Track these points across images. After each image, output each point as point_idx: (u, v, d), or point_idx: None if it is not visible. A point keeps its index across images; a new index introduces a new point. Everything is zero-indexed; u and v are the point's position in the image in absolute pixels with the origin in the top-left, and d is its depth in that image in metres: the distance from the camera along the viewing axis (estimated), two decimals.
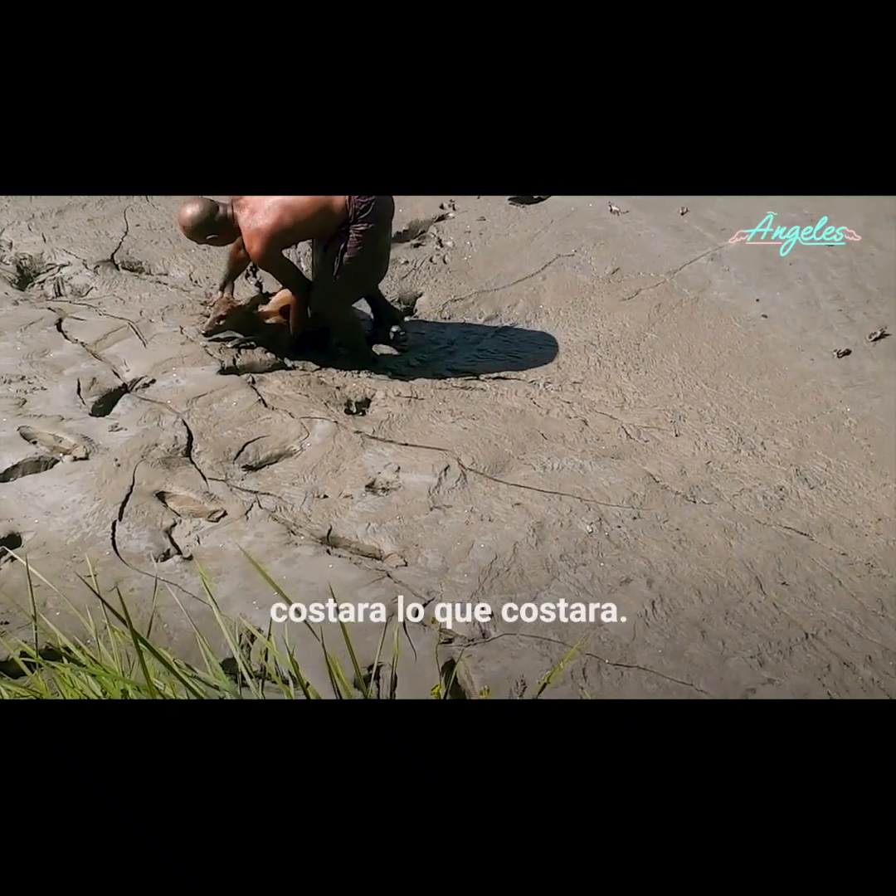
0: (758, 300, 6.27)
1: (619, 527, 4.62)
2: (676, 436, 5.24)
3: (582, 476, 4.92)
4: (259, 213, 5.34)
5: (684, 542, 4.54)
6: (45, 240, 6.60)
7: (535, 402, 5.49)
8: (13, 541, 4.52)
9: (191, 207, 5.41)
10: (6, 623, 4.08)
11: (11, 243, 6.61)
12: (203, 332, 5.74)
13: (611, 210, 7.02)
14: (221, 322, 5.71)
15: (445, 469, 4.94)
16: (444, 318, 6.31)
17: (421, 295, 6.51)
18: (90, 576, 4.20)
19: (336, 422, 5.24)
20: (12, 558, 4.43)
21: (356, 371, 5.82)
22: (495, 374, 5.78)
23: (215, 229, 5.44)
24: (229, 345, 5.76)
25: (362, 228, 5.47)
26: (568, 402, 5.49)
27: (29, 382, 5.35)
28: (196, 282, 6.35)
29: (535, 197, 7.23)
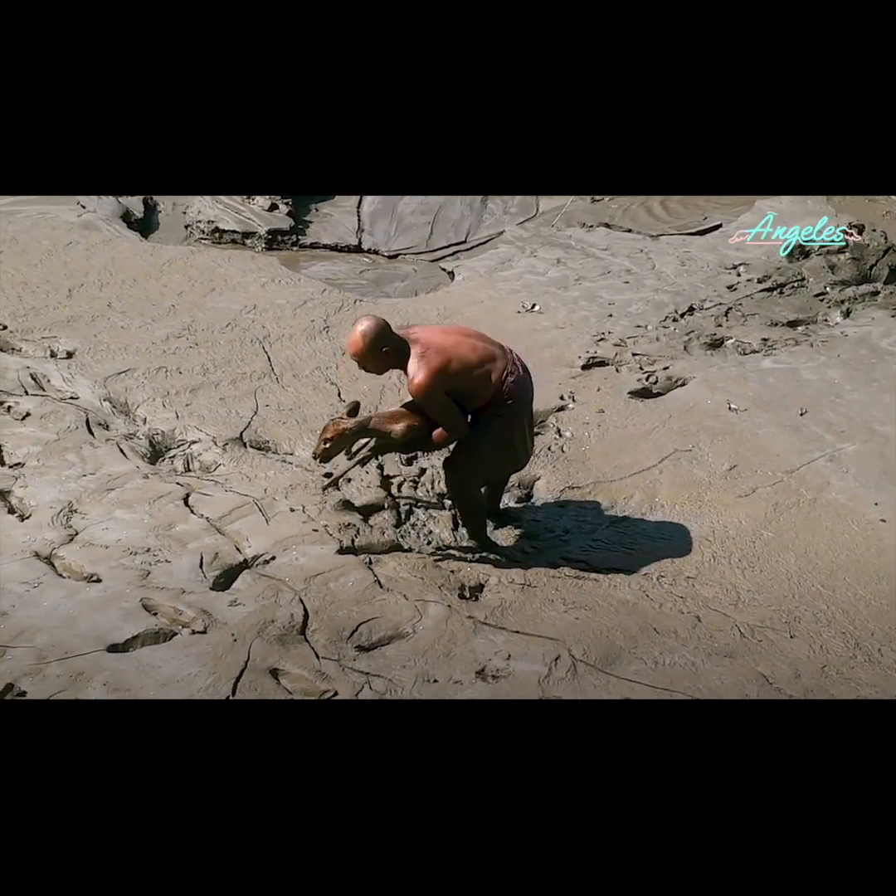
0: (876, 504, 6.24)
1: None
2: (791, 637, 5.19)
3: (694, 673, 4.88)
4: (431, 350, 5.43)
5: None
6: (177, 416, 6.86)
7: (647, 596, 5.49)
8: None
9: (368, 322, 5.44)
10: None
11: (146, 419, 6.88)
12: (314, 456, 5.75)
13: (729, 408, 7.09)
14: (327, 444, 5.65)
15: (556, 659, 4.94)
16: (560, 506, 6.38)
17: (539, 479, 6.60)
18: None
19: (449, 606, 5.29)
20: None
21: (472, 555, 5.89)
22: (609, 565, 5.81)
23: (388, 345, 5.43)
24: (338, 477, 5.87)
25: (507, 405, 5.60)
26: (681, 597, 5.49)
27: (154, 555, 5.51)
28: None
29: (655, 391, 7.33)
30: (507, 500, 6.43)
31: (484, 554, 5.92)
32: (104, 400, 7.04)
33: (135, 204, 10.29)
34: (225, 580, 5.42)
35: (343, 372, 7.50)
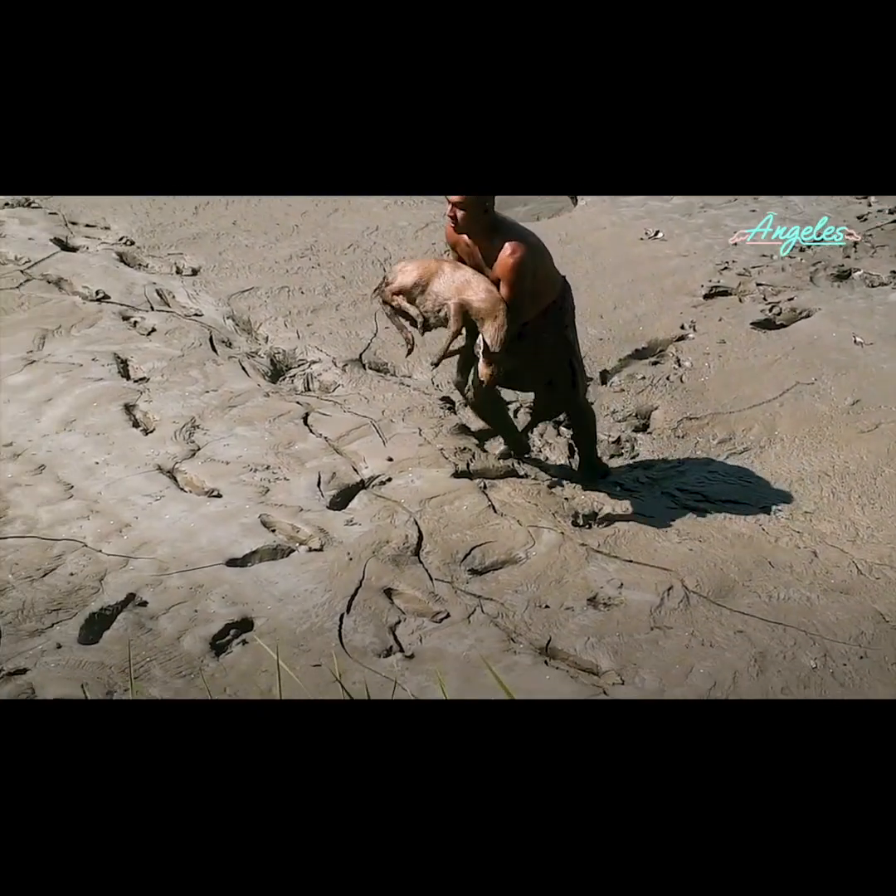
0: None
1: (845, 664, 4.52)
2: None
3: (808, 609, 4.84)
4: (526, 232, 5.42)
5: None
6: (299, 336, 6.94)
7: (763, 529, 5.44)
8: (246, 624, 4.73)
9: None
10: None
11: (268, 338, 6.97)
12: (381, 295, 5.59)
13: (855, 341, 6.94)
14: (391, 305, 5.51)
15: (669, 589, 4.94)
16: (678, 437, 6.33)
17: (656, 409, 6.55)
18: (318, 665, 4.37)
19: (563, 533, 5.31)
20: (244, 641, 4.64)
21: (587, 484, 5.89)
22: (725, 497, 5.76)
23: (491, 206, 5.26)
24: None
25: (571, 310, 5.62)
26: (798, 532, 5.43)
27: (273, 472, 5.61)
28: (438, 385, 6.55)
29: (778, 323, 7.21)
30: (626, 429, 6.40)
31: (601, 482, 5.91)
32: (227, 317, 7.14)
33: None
34: (342, 500, 5.50)
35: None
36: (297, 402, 6.27)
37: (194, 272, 7.63)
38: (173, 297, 7.29)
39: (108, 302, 7.13)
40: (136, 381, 6.39)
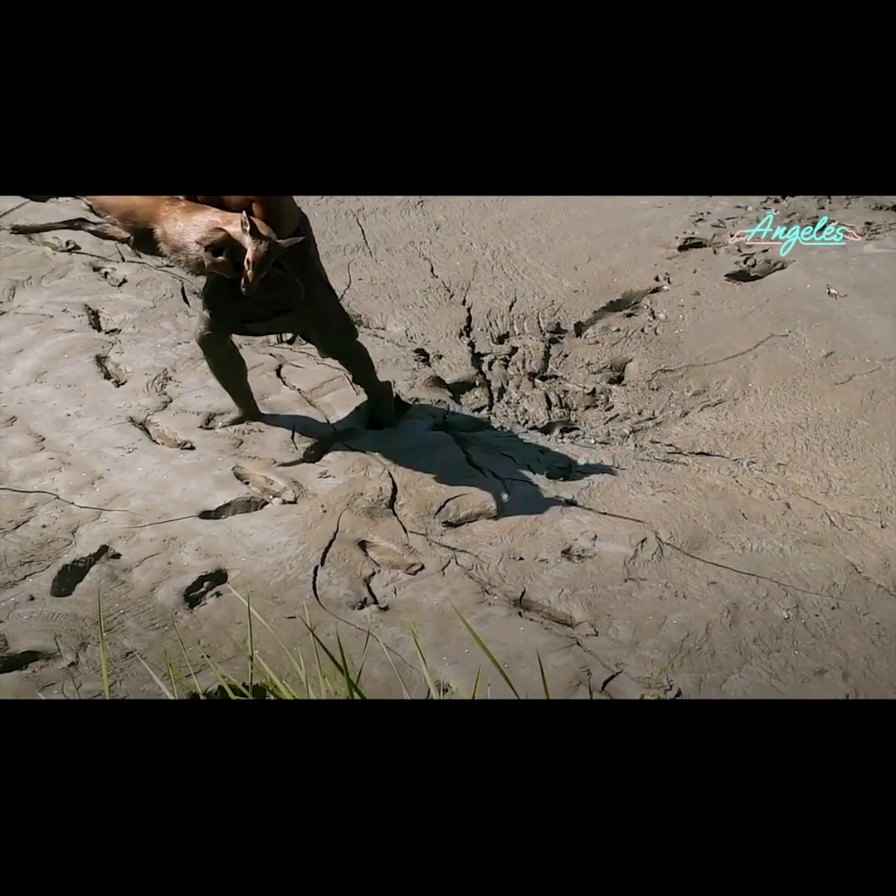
0: None
1: (817, 615, 4.55)
2: (882, 527, 5.13)
3: (781, 560, 4.86)
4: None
5: (884, 637, 4.44)
6: None
7: (737, 481, 5.45)
8: (219, 577, 4.72)
9: None
10: (208, 656, 4.26)
11: None
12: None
13: (829, 293, 6.94)
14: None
15: (642, 541, 4.95)
16: (652, 389, 6.33)
17: (631, 361, 6.54)
18: (292, 617, 4.37)
19: (537, 485, 5.30)
20: (218, 593, 4.63)
21: (559, 436, 5.89)
22: (699, 450, 5.77)
23: None
24: None
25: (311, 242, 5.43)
26: (771, 484, 5.44)
27: (247, 425, 5.58)
28: (412, 337, 6.52)
29: (752, 275, 7.19)
30: (600, 381, 6.39)
31: (575, 434, 5.91)
32: None
33: None
34: (316, 452, 5.48)
35: (436, 247, 7.45)
36: (271, 354, 6.23)
37: None
38: None
39: (78, 252, 7.05)
40: (107, 333, 6.34)
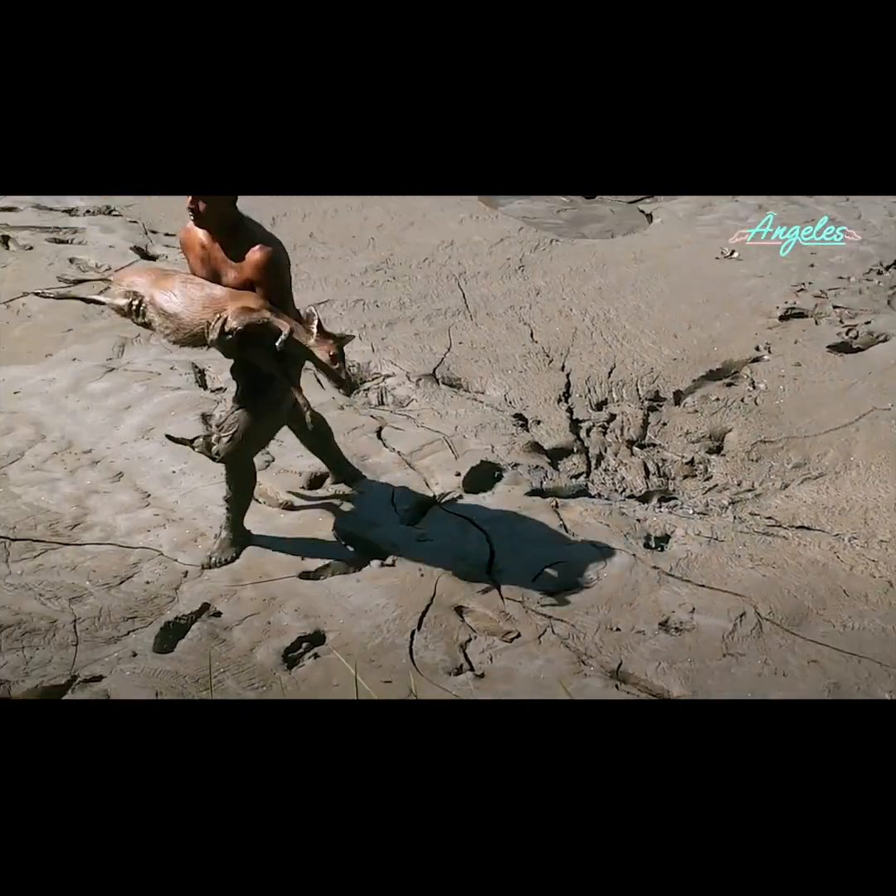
0: None
1: None
2: None
3: (884, 640, 4.80)
4: (271, 239, 4.83)
5: None
6: (373, 350, 6.97)
7: (838, 557, 5.39)
8: (318, 638, 4.78)
9: None
10: None
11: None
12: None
13: None
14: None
15: (741, 615, 4.92)
16: (752, 460, 6.30)
17: (730, 431, 6.51)
18: (388, 681, 4.40)
19: (634, 555, 5.30)
20: (316, 655, 4.68)
21: (657, 505, 5.88)
22: (799, 523, 5.72)
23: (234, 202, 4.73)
24: None
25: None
26: (873, 561, 5.38)
27: (347, 486, 5.64)
28: (510, 402, 6.56)
29: (855, 347, 7.14)
30: (699, 451, 6.37)
31: (673, 503, 5.90)
32: None
33: None
34: (414, 515, 5.53)
35: (536, 313, 7.50)
36: (371, 416, 6.31)
37: None
38: None
39: None
40: (212, 391, 6.46)
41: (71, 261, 7.72)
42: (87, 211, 8.45)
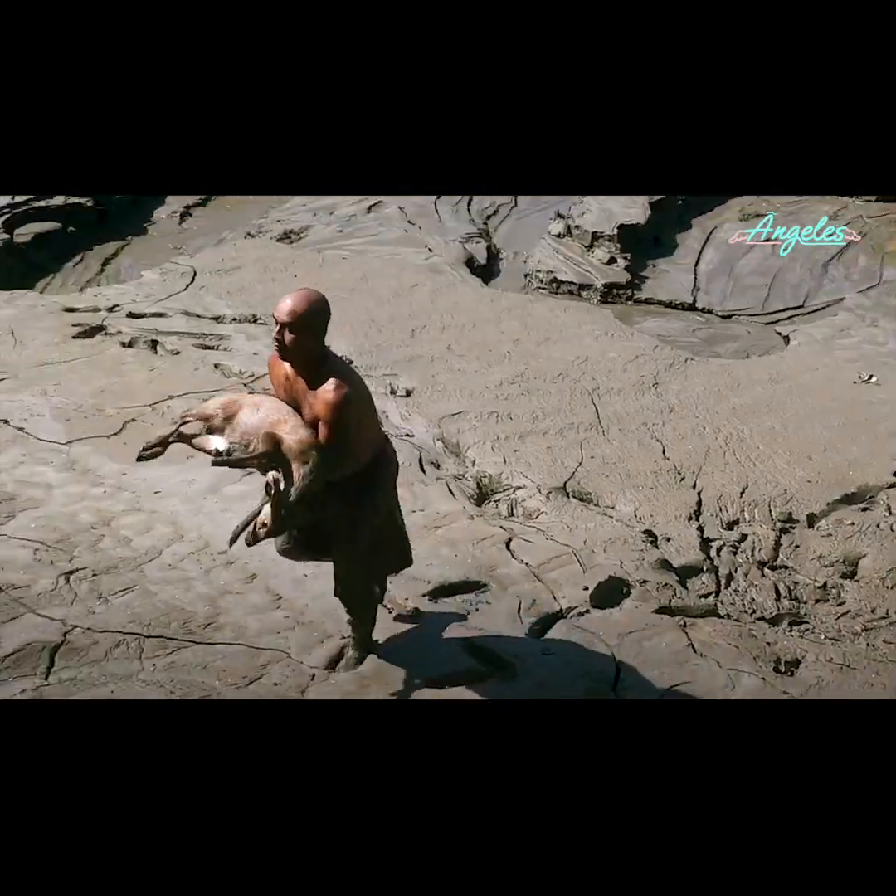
0: None
1: None
2: None
3: None
4: (349, 368, 4.79)
5: None
6: (505, 461, 7.04)
7: None
8: None
9: (318, 294, 4.64)
10: None
11: (475, 461, 7.09)
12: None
13: None
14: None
15: None
16: (887, 587, 6.18)
17: (865, 556, 6.41)
18: None
19: (764, 679, 5.22)
20: None
21: (788, 629, 5.79)
22: None
23: (320, 329, 4.62)
24: None
25: (389, 470, 4.94)
26: None
27: (476, 596, 5.69)
28: (640, 518, 6.55)
29: None
30: (832, 575, 6.27)
31: (804, 628, 5.81)
32: (437, 439, 7.31)
33: (479, 251, 10.63)
34: (540, 628, 5.53)
35: (669, 430, 7.51)
36: (501, 527, 6.36)
37: (408, 393, 7.85)
38: (387, 416, 7.50)
39: None
40: None
41: (216, 366, 7.98)
42: (234, 319, 8.75)
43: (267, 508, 4.41)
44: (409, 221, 10.99)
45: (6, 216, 10.58)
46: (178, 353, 8.17)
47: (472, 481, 6.92)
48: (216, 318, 8.76)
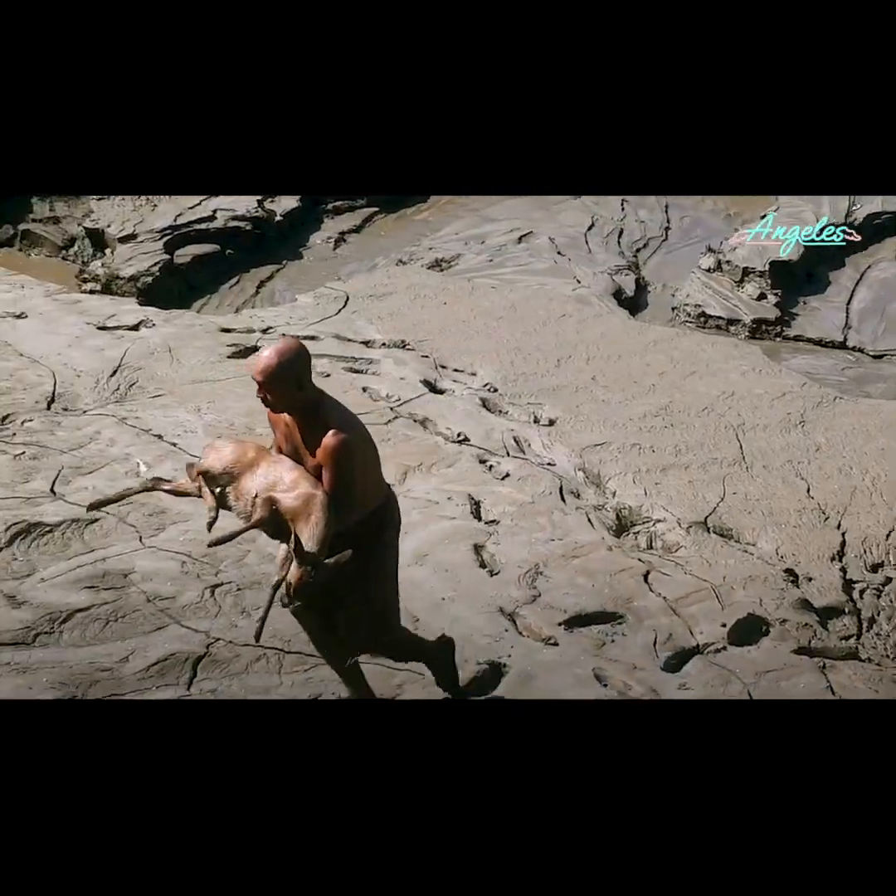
0: None
1: None
2: None
3: None
4: (348, 411, 4.56)
5: None
6: (646, 494, 7.04)
7: None
8: None
9: (290, 343, 4.50)
10: None
11: (615, 492, 7.11)
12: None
13: None
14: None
15: None
16: None
17: None
18: None
19: None
20: None
21: None
22: None
23: (302, 378, 4.41)
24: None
25: (394, 521, 4.76)
26: None
27: (612, 627, 5.70)
28: (782, 557, 6.50)
29: None
30: None
31: None
32: (579, 469, 7.34)
33: (627, 283, 10.64)
34: (676, 662, 5.52)
35: (814, 469, 7.43)
36: (639, 559, 6.36)
37: (551, 423, 7.90)
38: (529, 445, 7.57)
39: (467, 444, 7.47)
40: (486, 523, 6.64)
41: (364, 390, 8.14)
42: (383, 343, 8.90)
43: (293, 568, 4.25)
44: (559, 252, 11.04)
45: (168, 237, 10.94)
46: (327, 375, 8.33)
47: (611, 512, 6.93)
48: (366, 343, 8.92)
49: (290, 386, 4.37)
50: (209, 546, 4.57)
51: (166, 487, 4.80)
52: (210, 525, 4.51)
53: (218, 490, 4.50)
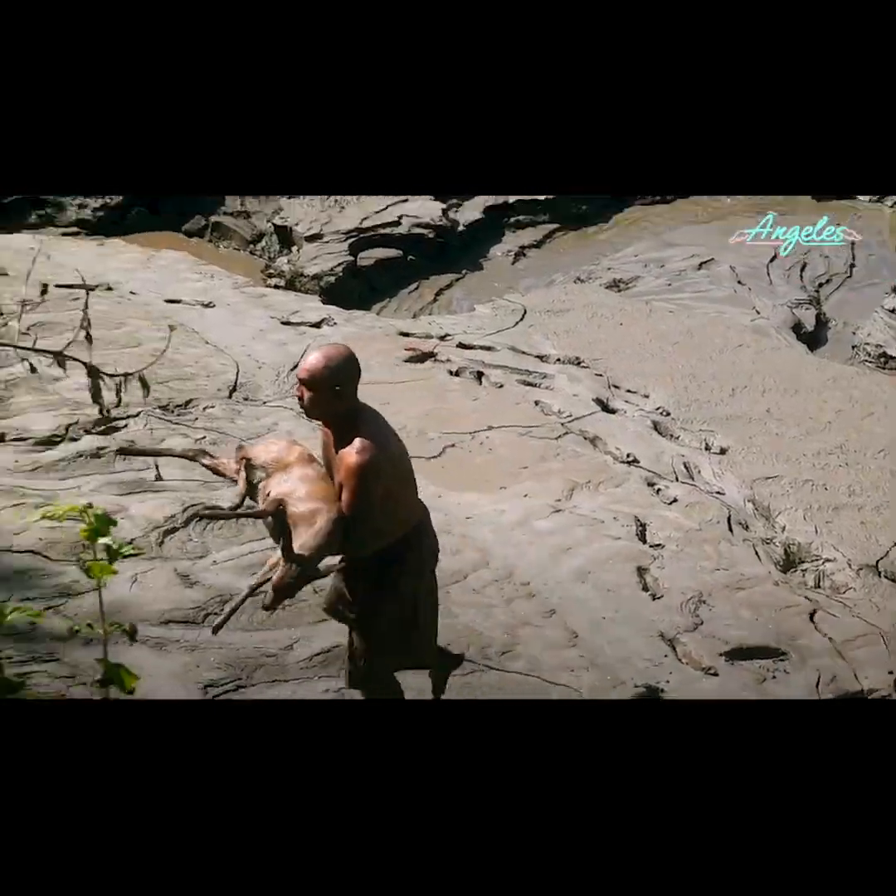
0: None
1: None
2: None
3: None
4: (385, 430, 4.44)
5: None
6: (816, 532, 6.91)
7: None
8: None
9: (340, 349, 4.44)
10: None
11: (784, 527, 6.99)
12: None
13: None
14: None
15: None
16: None
17: None
18: None
19: None
20: None
21: None
22: None
23: (346, 388, 4.31)
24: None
25: (420, 552, 4.57)
26: None
27: (774, 663, 5.63)
28: None
29: None
30: None
31: None
32: (748, 500, 7.24)
33: (807, 317, 10.46)
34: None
35: None
36: (806, 597, 6.25)
37: (722, 451, 7.81)
38: (699, 471, 7.50)
39: (636, 466, 7.44)
40: (651, 547, 6.61)
41: (536, 403, 8.17)
42: (558, 359, 8.92)
43: (279, 570, 4.25)
44: (739, 281, 10.91)
45: (353, 239, 11.15)
46: (501, 386, 8.39)
47: (779, 547, 6.82)
48: (541, 357, 8.94)
49: (328, 392, 4.24)
50: (199, 518, 4.60)
51: (207, 462, 4.83)
52: (232, 509, 4.58)
53: (254, 481, 4.48)
